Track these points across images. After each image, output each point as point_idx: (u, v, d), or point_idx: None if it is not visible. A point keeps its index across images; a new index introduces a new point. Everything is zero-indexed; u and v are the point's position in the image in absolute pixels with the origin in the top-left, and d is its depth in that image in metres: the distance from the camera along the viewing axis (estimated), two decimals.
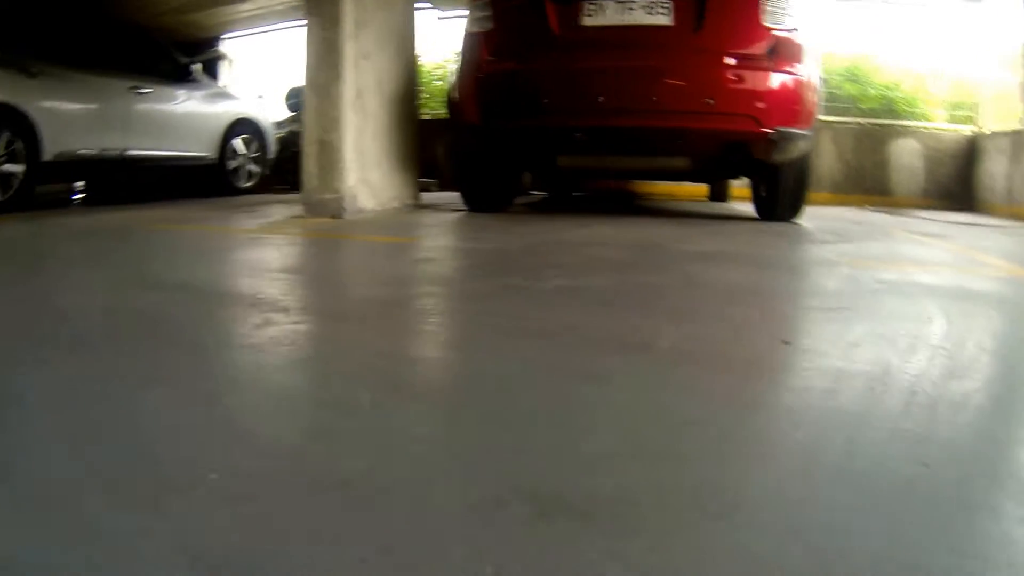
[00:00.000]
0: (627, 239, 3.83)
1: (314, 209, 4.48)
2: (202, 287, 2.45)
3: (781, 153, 4.23)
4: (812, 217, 5.14)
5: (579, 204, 6.75)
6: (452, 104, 5.03)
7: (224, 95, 7.47)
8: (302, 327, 1.86)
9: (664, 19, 3.98)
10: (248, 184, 7.60)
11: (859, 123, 9.91)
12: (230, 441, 1.09)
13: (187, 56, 6.97)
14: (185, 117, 6.62)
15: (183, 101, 6.62)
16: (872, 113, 10.00)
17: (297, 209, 4.72)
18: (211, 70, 8.96)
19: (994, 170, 8.97)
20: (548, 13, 4.13)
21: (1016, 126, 8.54)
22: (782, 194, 4.71)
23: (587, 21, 4.05)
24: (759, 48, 4.04)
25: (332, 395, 1.37)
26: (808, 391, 1.40)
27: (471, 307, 2.23)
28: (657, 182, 8.57)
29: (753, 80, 4.04)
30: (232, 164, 7.29)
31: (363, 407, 1.27)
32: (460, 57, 4.79)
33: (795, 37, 4.15)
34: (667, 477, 0.98)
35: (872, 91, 10.05)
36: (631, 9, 3.99)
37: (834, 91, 10.12)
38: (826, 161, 9.58)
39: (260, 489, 0.92)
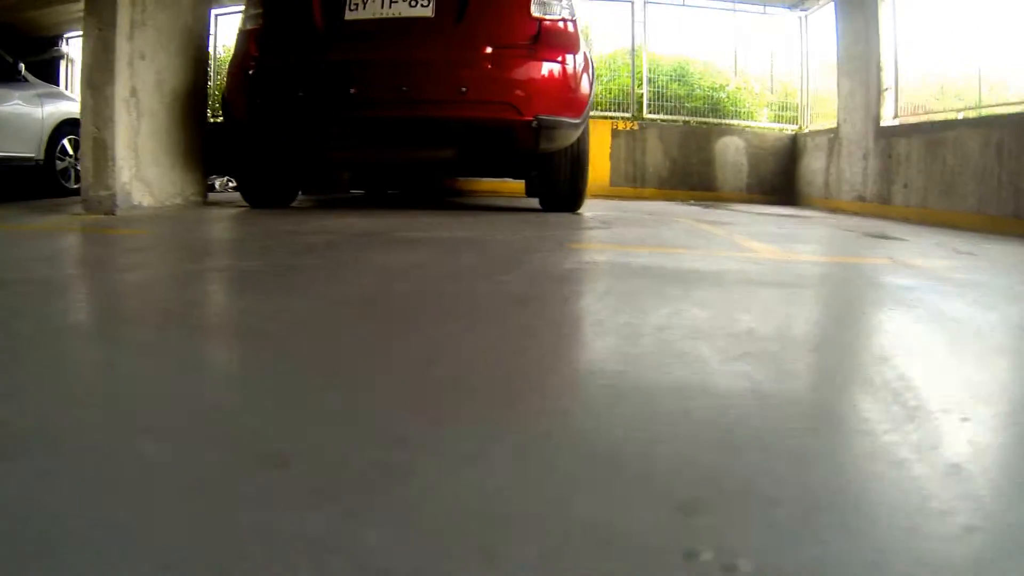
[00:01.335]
0: (364, 228, 3.65)
1: (90, 206, 4.46)
2: None
3: (548, 142, 4.15)
4: (612, 208, 5.10)
5: (382, 201, 6.37)
6: (224, 102, 5.03)
7: (56, 95, 7.18)
8: None
9: (425, 11, 3.94)
10: (78, 185, 7.02)
11: (686, 121, 10.00)
12: None
13: (22, 54, 6.80)
14: (8, 117, 6.38)
15: (7, 101, 6.37)
16: (699, 112, 10.12)
17: None
18: (50, 69, 8.78)
19: (813, 166, 9.17)
20: (314, 8, 4.09)
21: (832, 125, 8.75)
22: (559, 184, 4.67)
23: (350, 15, 4.01)
24: (523, 37, 4.01)
25: None
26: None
27: (115, 287, 2.09)
28: (482, 179, 8.28)
29: (513, 69, 4.00)
30: (61, 165, 7.01)
31: None
32: (232, 55, 4.82)
33: (564, 26, 4.13)
34: None
35: (699, 91, 10.16)
36: (395, 2, 3.96)
37: (661, 90, 10.20)
38: (652, 158, 9.67)
39: None
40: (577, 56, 4.21)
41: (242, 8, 4.75)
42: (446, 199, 7.08)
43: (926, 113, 7.40)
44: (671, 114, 10.08)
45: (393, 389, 1.08)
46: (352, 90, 3.95)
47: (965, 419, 1.01)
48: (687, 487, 0.75)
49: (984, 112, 6.44)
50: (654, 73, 10.22)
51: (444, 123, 4.04)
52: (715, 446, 0.87)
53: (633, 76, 10.17)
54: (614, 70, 10.72)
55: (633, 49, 10.31)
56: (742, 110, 10.25)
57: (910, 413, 1.01)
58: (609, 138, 9.73)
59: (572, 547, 0.62)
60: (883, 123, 7.72)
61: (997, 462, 0.89)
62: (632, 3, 10.19)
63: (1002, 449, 0.95)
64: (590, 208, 5.87)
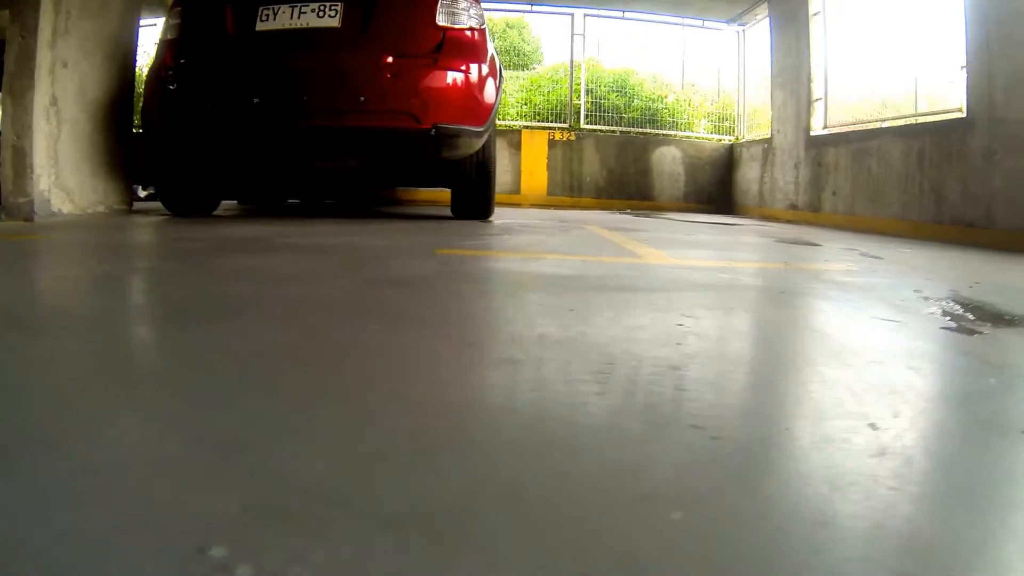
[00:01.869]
0: (256, 235, 3.59)
1: (10, 212, 4.45)
2: None
3: (450, 150, 4.16)
4: (534, 217, 5.06)
5: (311, 210, 6.23)
6: (142, 110, 4.97)
7: None
8: None
9: (333, 21, 3.95)
10: None
11: (624, 132, 10.01)
12: None
13: None
14: None
15: None
16: (638, 123, 10.15)
17: None
18: None
19: (749, 175, 9.23)
20: (227, 20, 4.10)
21: (767, 135, 8.82)
22: (466, 192, 4.69)
23: (261, 26, 4.01)
24: (426, 47, 4.03)
25: None
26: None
27: None
28: (421, 189, 8.18)
29: (413, 78, 4.00)
30: None
31: None
32: (151, 64, 4.81)
33: (471, 35, 4.17)
34: None
35: (638, 102, 10.20)
36: (303, 12, 3.97)
37: (600, 101, 10.22)
38: (590, 168, 9.68)
39: None
40: (482, 65, 4.23)
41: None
42: (376, 208, 6.97)
43: (853, 123, 7.47)
44: (610, 125, 10.10)
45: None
46: (256, 100, 3.96)
47: (696, 427, 0.94)
48: None
49: (906, 122, 6.50)
50: (594, 84, 10.24)
51: (344, 132, 4.04)
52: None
53: (571, 87, 10.18)
54: (555, 81, 10.74)
55: (572, 60, 10.33)
56: (681, 121, 10.31)
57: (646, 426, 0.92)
58: (546, 148, 9.71)
59: None
60: (813, 133, 7.79)
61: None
62: (572, 15, 10.22)
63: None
64: (511, 216, 5.83)
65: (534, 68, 13.08)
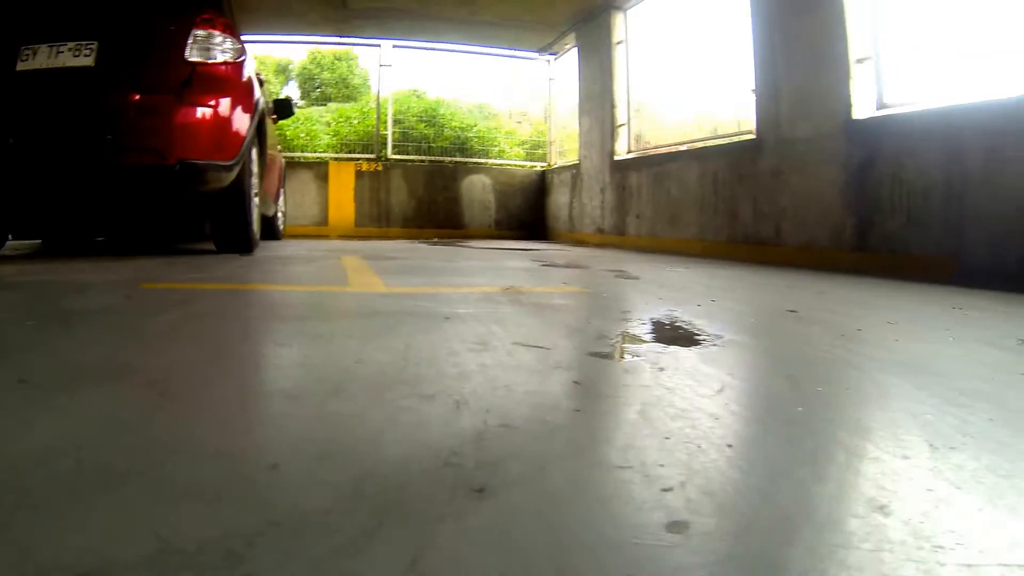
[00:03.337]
0: None
1: None
2: None
3: (198, 185, 4.10)
4: (314, 248, 5.18)
5: (75, 248, 5.50)
6: None
7: None
8: None
9: (87, 60, 3.91)
10: None
11: (433, 161, 9.75)
12: None
13: None
14: None
15: None
16: (447, 152, 9.92)
17: None
18: None
19: (559, 201, 9.15)
20: None
21: (576, 161, 8.77)
22: (224, 226, 4.61)
23: (22, 66, 3.93)
24: (174, 82, 4.02)
25: None
26: None
27: None
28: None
29: (158, 115, 3.96)
30: None
31: None
32: None
33: (224, 70, 4.19)
34: None
35: (448, 131, 9.97)
36: (60, 52, 3.93)
37: (408, 131, 9.91)
38: (397, 198, 9.37)
39: None
40: (234, 99, 4.23)
41: None
42: (150, 244, 6.27)
43: (655, 147, 7.50)
44: (418, 154, 9.81)
45: None
46: (10, 140, 3.84)
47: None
48: None
49: (703, 144, 6.54)
50: (402, 115, 9.94)
51: (97, 170, 3.94)
52: None
53: (378, 118, 9.82)
54: (365, 112, 10.34)
55: (379, 91, 9.98)
56: (492, 148, 10.18)
57: None
58: (353, 180, 9.31)
59: None
60: (617, 157, 7.77)
61: None
62: (380, 46, 9.86)
63: None
64: (293, 248, 5.71)
65: (360, 100, 12.67)
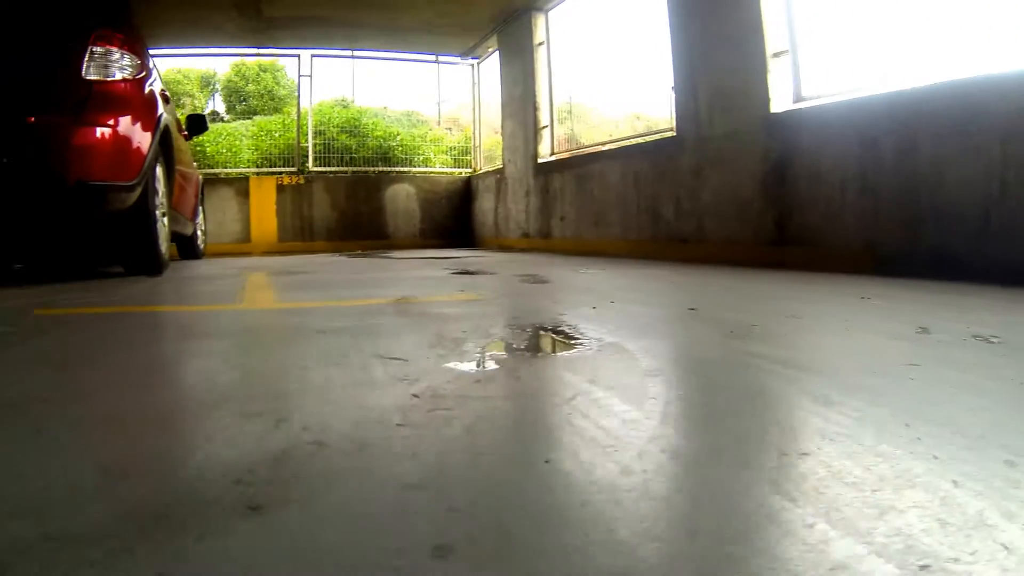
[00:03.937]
0: None
1: None
2: None
3: (99, 206, 3.93)
4: (226, 267, 5.01)
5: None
6: None
7: None
8: None
9: None
10: None
11: (356, 172, 9.53)
12: None
13: None
14: None
15: None
16: (370, 162, 9.71)
17: None
18: None
19: (485, 207, 9.03)
20: None
21: (501, 165, 8.66)
22: (130, 248, 4.45)
23: None
24: (70, 102, 3.84)
25: None
26: None
27: None
28: None
29: (54, 136, 3.78)
30: None
31: None
32: None
33: (124, 87, 4.04)
34: None
35: (371, 141, 9.76)
36: None
37: (330, 143, 9.67)
38: (320, 211, 9.14)
39: None
40: (134, 117, 4.09)
41: None
42: (70, 269, 6.01)
43: (577, 148, 7.43)
44: (341, 165, 9.58)
45: None
46: None
47: None
48: None
49: (624, 143, 6.48)
50: (324, 126, 9.68)
51: None
52: None
53: (299, 130, 9.56)
54: (285, 125, 10.07)
55: (299, 102, 9.72)
56: (416, 156, 10.00)
57: None
58: (275, 194, 9.04)
59: None
60: (540, 160, 7.68)
61: None
62: (299, 56, 9.60)
63: None
64: (207, 267, 5.52)
65: (284, 111, 12.34)
